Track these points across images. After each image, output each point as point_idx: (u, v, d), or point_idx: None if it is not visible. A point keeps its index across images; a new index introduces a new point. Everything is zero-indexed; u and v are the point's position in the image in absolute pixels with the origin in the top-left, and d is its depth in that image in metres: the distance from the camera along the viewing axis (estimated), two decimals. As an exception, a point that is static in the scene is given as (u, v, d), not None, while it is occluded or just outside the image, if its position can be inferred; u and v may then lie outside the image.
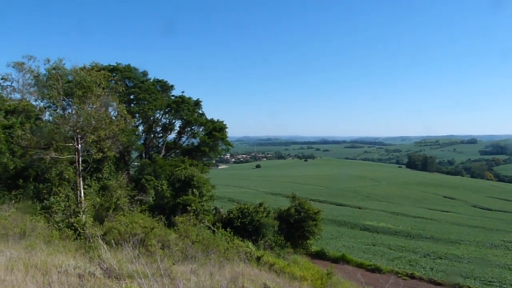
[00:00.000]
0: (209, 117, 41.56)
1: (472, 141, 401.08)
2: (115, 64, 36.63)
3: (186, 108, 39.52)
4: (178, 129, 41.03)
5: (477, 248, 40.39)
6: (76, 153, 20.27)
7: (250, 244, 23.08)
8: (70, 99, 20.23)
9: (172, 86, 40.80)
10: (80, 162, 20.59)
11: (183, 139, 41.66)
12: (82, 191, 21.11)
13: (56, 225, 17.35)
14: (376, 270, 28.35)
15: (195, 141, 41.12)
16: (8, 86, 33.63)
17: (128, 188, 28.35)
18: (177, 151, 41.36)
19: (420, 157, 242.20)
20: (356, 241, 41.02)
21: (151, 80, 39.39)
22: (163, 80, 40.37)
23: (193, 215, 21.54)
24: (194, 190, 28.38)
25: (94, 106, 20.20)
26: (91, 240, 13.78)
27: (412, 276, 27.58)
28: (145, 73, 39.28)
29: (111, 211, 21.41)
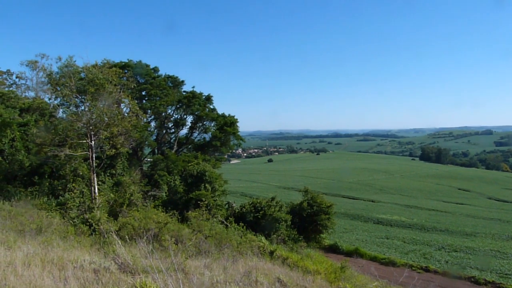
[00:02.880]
0: (220, 112, 41.66)
1: (487, 132, 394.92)
2: (127, 61, 36.83)
3: (197, 103, 39.62)
4: (189, 124, 41.19)
5: (493, 240, 39.88)
6: (90, 149, 20.48)
7: (263, 238, 23.08)
8: (83, 97, 20.41)
9: (183, 81, 40.94)
10: (94, 159, 20.79)
11: (195, 134, 41.82)
12: (96, 187, 21.34)
13: (71, 221, 17.55)
14: (390, 263, 28.19)
15: (207, 136, 41.24)
16: (23, 85, 34.20)
17: (142, 184, 28.57)
18: (189, 146, 41.54)
19: (434, 149, 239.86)
20: (370, 235, 40.82)
21: (162, 76, 39.54)
22: (174, 75, 40.53)
23: (205, 210, 21.62)
24: (207, 185, 28.47)
25: (106, 103, 20.34)
26: (105, 236, 13.93)
27: (426, 269, 27.35)
28: (156, 69, 39.47)
29: (125, 206, 21.58)
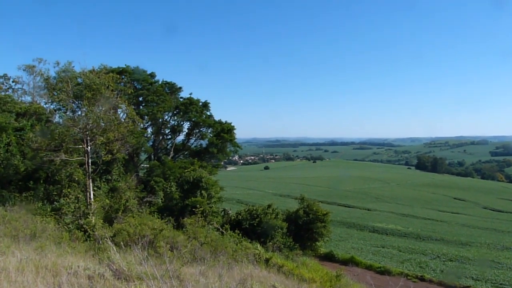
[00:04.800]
0: (217, 119, 41.70)
1: (483, 142, 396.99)
2: (124, 66, 36.86)
3: (194, 110, 39.65)
4: (186, 130, 41.21)
5: (488, 250, 39.92)
6: (86, 155, 20.43)
7: (258, 246, 23.05)
8: (79, 102, 20.40)
9: (180, 88, 41.00)
10: (90, 164, 20.73)
11: (192, 140, 41.81)
12: (91, 192, 21.25)
13: (66, 227, 17.46)
14: (385, 272, 28.14)
15: (204, 143, 41.23)
16: (19, 89, 34.14)
17: (137, 190, 28.47)
18: (186, 153, 41.50)
19: (430, 159, 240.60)
20: (365, 243, 40.77)
21: (159, 82, 39.58)
22: (171, 82, 40.61)
23: (201, 217, 21.55)
24: (203, 191, 28.43)
25: (103, 108, 20.33)
26: (100, 242, 13.84)
27: (422, 279, 27.33)
28: (153, 75, 39.48)
29: (120, 212, 21.49)
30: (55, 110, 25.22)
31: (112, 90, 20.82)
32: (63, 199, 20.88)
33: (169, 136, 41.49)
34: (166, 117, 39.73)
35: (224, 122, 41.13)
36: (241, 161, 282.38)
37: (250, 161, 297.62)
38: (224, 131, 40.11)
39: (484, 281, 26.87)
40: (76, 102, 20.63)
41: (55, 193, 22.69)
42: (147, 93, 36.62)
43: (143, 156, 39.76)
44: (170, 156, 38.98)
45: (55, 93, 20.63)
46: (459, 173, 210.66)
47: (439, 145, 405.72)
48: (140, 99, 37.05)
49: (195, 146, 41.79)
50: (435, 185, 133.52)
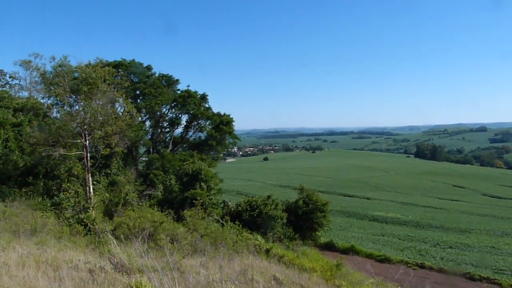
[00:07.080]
0: (216, 111, 41.59)
1: (481, 129, 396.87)
2: (120, 60, 36.66)
3: (193, 102, 39.52)
4: (185, 123, 41.11)
5: (487, 237, 40.12)
6: (84, 149, 20.40)
7: (259, 236, 23.11)
8: (76, 96, 20.33)
9: (177, 80, 40.80)
10: (89, 158, 20.71)
11: (190, 133, 41.75)
12: (91, 187, 21.25)
13: (66, 221, 17.48)
14: (385, 260, 28.31)
15: (202, 135, 41.18)
16: (16, 85, 33.96)
17: (137, 183, 28.48)
18: (185, 145, 41.47)
19: (429, 147, 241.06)
20: (365, 232, 40.95)
21: (156, 75, 39.39)
22: (168, 74, 40.39)
23: (201, 209, 21.59)
24: (202, 184, 28.44)
25: (100, 102, 20.26)
26: (100, 235, 13.87)
27: (422, 266, 27.49)
28: (149, 68, 39.29)
29: (120, 206, 21.52)
30: (52, 105, 25.14)
31: (108, 84, 20.73)
32: (63, 194, 20.87)
33: (168, 129, 41.42)
34: (164, 110, 39.63)
35: (222, 114, 41.03)
36: (241, 153, 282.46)
37: (249, 152, 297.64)
38: (223, 123, 40.02)
39: (484, 267, 27.03)
40: (73, 97, 20.55)
41: (54, 188, 22.66)
42: (144, 86, 36.48)
43: (142, 150, 39.73)
44: (169, 149, 38.95)
45: (52, 87, 20.54)
46: (458, 161, 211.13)
47: (438, 133, 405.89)
48: (137, 92, 36.92)
49: (194, 139, 41.74)
50: (435, 173, 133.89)
